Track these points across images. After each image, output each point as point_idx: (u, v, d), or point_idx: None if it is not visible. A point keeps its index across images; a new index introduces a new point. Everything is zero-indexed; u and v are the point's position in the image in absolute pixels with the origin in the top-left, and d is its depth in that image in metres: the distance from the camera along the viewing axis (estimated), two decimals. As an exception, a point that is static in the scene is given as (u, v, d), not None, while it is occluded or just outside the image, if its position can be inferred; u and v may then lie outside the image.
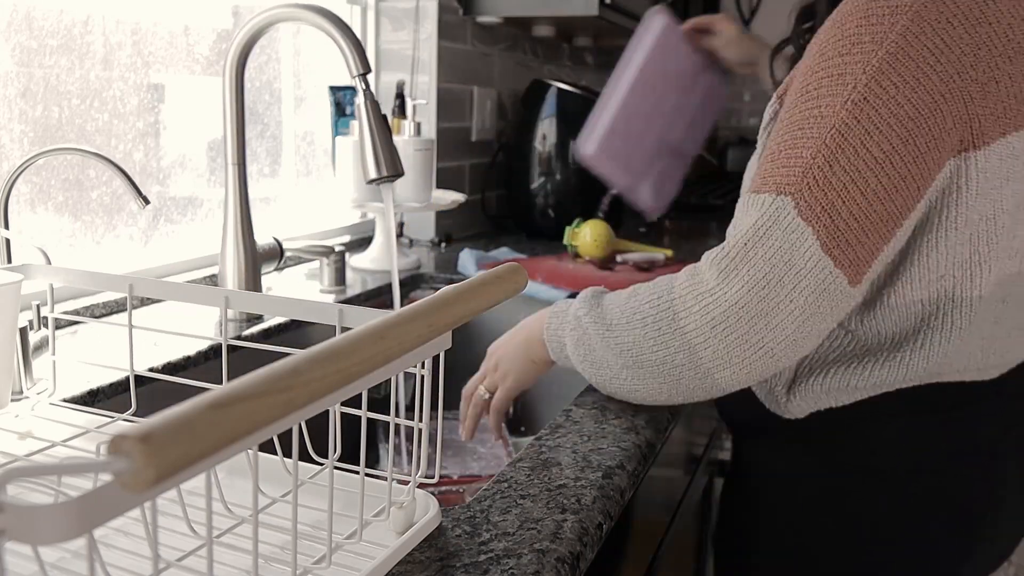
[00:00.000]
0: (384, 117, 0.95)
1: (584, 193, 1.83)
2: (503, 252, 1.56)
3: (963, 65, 0.62)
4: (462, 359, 1.38)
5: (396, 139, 1.38)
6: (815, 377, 0.78)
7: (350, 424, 1.15)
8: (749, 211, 0.68)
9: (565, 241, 1.53)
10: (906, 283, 0.71)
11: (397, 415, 0.57)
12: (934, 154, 0.63)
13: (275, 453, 0.61)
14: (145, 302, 1.09)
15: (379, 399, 1.16)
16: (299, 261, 1.41)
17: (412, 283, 1.43)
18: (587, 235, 1.50)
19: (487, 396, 0.92)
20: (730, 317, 0.66)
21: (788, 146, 0.66)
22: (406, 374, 1.07)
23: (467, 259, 1.46)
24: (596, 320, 0.77)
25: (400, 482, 0.58)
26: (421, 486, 0.58)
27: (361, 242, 1.61)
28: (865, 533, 0.84)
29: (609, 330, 0.75)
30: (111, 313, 1.06)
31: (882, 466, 0.82)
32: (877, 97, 0.62)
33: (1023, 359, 0.81)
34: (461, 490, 0.99)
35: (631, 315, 0.74)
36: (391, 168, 0.94)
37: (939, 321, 0.71)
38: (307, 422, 0.46)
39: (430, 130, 1.66)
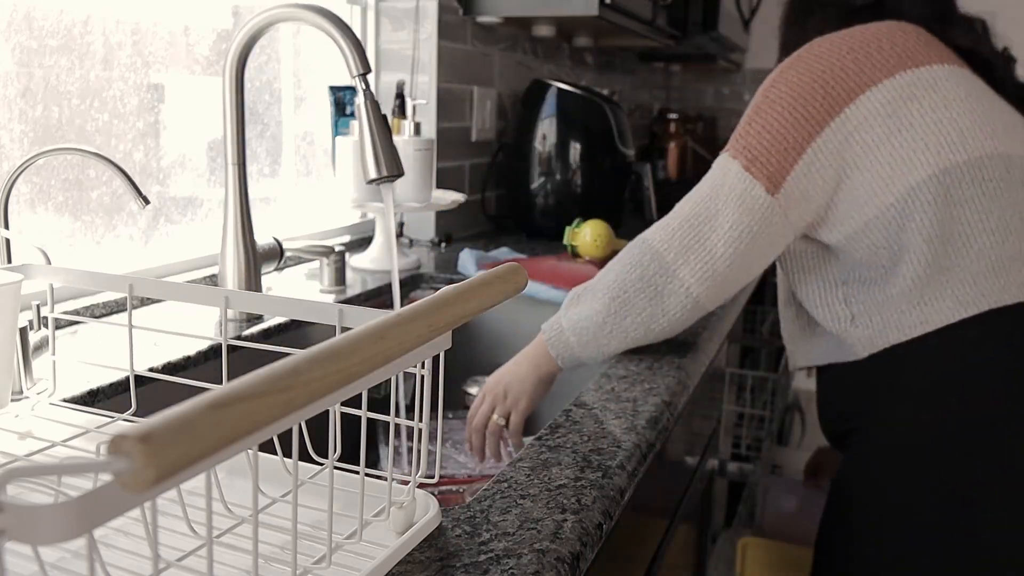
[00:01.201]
0: (384, 117, 0.95)
1: (584, 193, 1.83)
2: (503, 252, 1.56)
3: (830, 61, 0.93)
4: (462, 359, 1.38)
5: (396, 139, 1.38)
6: (866, 306, 0.95)
7: (350, 424, 1.15)
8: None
9: (565, 241, 1.52)
10: (859, 208, 0.90)
11: (397, 415, 0.57)
12: (818, 112, 0.90)
13: (275, 453, 0.61)
14: (145, 302, 1.09)
15: (379, 399, 1.16)
16: (299, 261, 1.41)
17: (412, 283, 1.43)
18: (587, 235, 1.50)
19: (503, 422, 0.99)
20: (683, 224, 0.91)
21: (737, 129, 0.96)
22: (406, 374, 1.07)
23: (467, 259, 1.46)
24: (584, 290, 0.96)
25: (400, 482, 0.58)
26: (421, 486, 0.58)
27: (361, 242, 1.61)
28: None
29: (594, 285, 0.95)
30: (111, 313, 1.06)
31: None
32: (779, 82, 0.93)
33: None
34: (461, 490, 0.99)
35: (611, 265, 0.95)
36: (391, 168, 0.94)
37: (908, 220, 0.88)
38: (307, 422, 0.46)
39: (430, 130, 1.66)
